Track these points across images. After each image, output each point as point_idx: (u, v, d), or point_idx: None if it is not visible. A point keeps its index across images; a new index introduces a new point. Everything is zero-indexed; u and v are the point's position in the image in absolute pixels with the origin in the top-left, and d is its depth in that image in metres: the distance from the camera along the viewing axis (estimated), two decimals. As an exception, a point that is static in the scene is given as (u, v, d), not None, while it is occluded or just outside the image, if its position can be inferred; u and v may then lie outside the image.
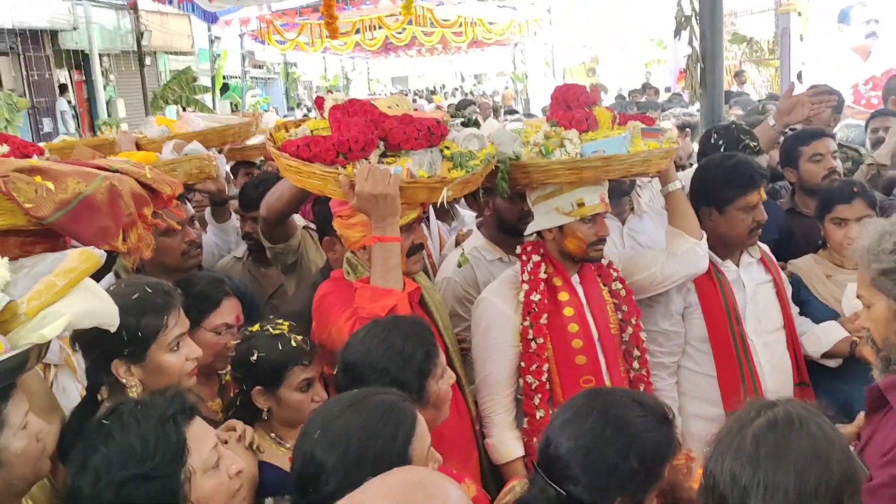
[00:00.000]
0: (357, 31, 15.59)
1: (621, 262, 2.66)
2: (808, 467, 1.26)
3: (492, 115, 9.78)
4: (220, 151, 3.37)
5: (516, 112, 9.97)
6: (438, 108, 11.40)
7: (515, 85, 20.24)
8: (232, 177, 4.21)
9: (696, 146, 5.12)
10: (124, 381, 1.82)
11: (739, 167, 2.68)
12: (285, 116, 10.81)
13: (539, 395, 2.40)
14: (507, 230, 2.77)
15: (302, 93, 24.44)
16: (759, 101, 6.84)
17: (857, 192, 2.90)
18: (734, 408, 1.43)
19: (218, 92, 16.19)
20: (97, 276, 1.78)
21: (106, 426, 1.47)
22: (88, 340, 1.82)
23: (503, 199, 2.67)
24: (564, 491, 1.52)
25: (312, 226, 3.06)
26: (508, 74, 21.85)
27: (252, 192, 3.21)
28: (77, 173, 1.81)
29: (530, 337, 2.40)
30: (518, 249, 2.54)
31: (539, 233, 2.50)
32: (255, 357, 1.99)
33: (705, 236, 2.61)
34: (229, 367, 2.10)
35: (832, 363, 2.80)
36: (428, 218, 3.35)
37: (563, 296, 2.46)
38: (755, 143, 3.28)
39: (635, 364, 2.54)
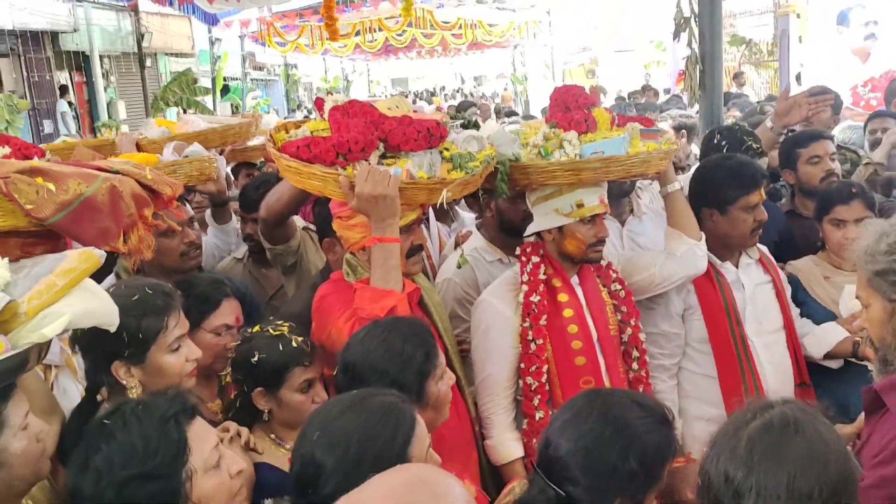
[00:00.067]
0: (357, 33, 15.62)
1: (620, 263, 2.67)
2: (802, 471, 1.26)
3: (493, 116, 9.79)
4: (220, 153, 3.38)
5: (516, 114, 9.96)
6: (438, 109, 11.42)
7: (515, 87, 20.26)
8: (233, 178, 4.21)
9: (693, 147, 5.13)
10: (124, 382, 1.82)
11: (740, 167, 2.69)
12: (286, 118, 10.81)
13: (538, 397, 2.40)
14: (509, 231, 2.77)
15: (302, 94, 24.44)
16: (757, 102, 6.86)
17: (855, 193, 2.91)
18: (736, 408, 1.43)
19: (218, 93, 16.19)
20: (98, 277, 1.79)
21: (107, 426, 1.48)
22: (88, 341, 1.82)
23: (505, 200, 2.67)
24: (564, 492, 1.52)
25: (312, 227, 3.06)
26: (508, 76, 21.86)
27: (253, 193, 3.21)
28: (78, 174, 1.81)
29: (530, 338, 2.40)
30: (518, 250, 2.55)
31: (538, 234, 2.50)
32: (255, 358, 1.99)
33: (704, 237, 2.62)
34: (229, 369, 2.10)
35: (834, 364, 2.80)
36: (427, 219, 3.36)
37: (563, 297, 2.46)
38: (758, 145, 3.29)
39: (634, 365, 2.54)
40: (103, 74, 16.91)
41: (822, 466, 1.27)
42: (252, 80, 21.11)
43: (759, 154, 3.22)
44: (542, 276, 2.45)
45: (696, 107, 4.18)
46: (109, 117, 15.46)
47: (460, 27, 16.25)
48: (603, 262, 2.57)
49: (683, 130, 5.26)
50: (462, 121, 2.59)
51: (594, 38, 20.23)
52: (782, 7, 10.63)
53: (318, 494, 1.41)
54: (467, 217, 3.81)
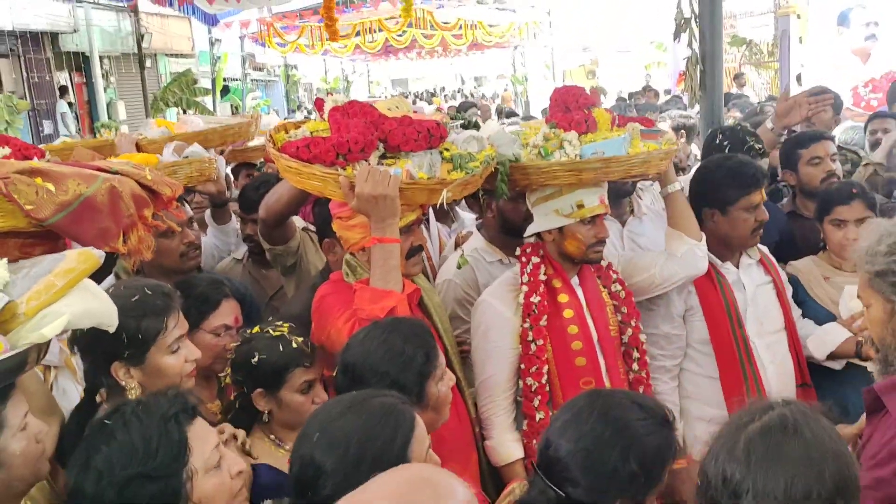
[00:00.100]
0: (357, 34, 15.63)
1: (621, 263, 2.66)
2: (799, 473, 1.25)
3: (495, 117, 9.79)
4: (221, 153, 3.37)
5: (515, 115, 9.96)
6: (438, 109, 11.42)
7: (515, 87, 20.26)
8: (233, 178, 4.21)
9: (693, 148, 5.13)
10: (123, 383, 1.81)
11: (741, 167, 2.69)
12: (286, 119, 10.81)
13: (539, 397, 2.40)
14: (510, 231, 2.76)
15: (302, 95, 24.44)
16: (757, 103, 6.85)
17: (856, 194, 2.90)
18: (737, 409, 1.43)
19: (218, 94, 16.20)
20: (98, 277, 1.78)
21: (108, 426, 1.47)
22: (88, 342, 1.82)
23: (506, 201, 2.67)
24: (564, 493, 1.52)
25: (312, 227, 3.06)
26: (508, 77, 21.87)
27: (252, 193, 3.20)
28: (78, 175, 1.81)
29: (530, 339, 2.40)
30: (518, 251, 2.54)
31: (539, 234, 2.50)
32: (255, 359, 1.99)
33: (705, 238, 2.62)
34: (229, 370, 2.09)
35: (837, 365, 2.79)
36: (428, 220, 3.35)
37: (563, 297, 2.46)
38: (760, 145, 3.29)
39: (635, 366, 2.54)
40: (103, 75, 16.93)
41: (819, 469, 1.26)
42: (252, 80, 21.12)
43: (761, 154, 3.22)
44: (542, 277, 2.44)
45: (697, 107, 4.17)
46: (109, 118, 15.46)
47: (460, 28, 16.26)
48: (603, 263, 2.57)
49: (682, 131, 5.26)
50: (462, 121, 2.59)
51: (594, 38, 20.24)
52: (783, 8, 10.63)
53: (317, 495, 1.40)
54: (467, 218, 3.80)
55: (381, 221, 2.13)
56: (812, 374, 2.79)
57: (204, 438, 1.53)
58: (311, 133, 2.38)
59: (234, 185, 4.02)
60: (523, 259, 2.49)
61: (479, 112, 8.18)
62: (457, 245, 3.18)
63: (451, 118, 2.64)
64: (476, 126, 2.58)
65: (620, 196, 2.97)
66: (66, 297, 1.49)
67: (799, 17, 10.58)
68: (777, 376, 2.68)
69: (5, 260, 1.49)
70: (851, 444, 1.84)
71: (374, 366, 1.81)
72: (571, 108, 2.60)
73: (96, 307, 1.54)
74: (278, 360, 2.00)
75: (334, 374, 1.89)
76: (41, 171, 1.76)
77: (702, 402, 2.72)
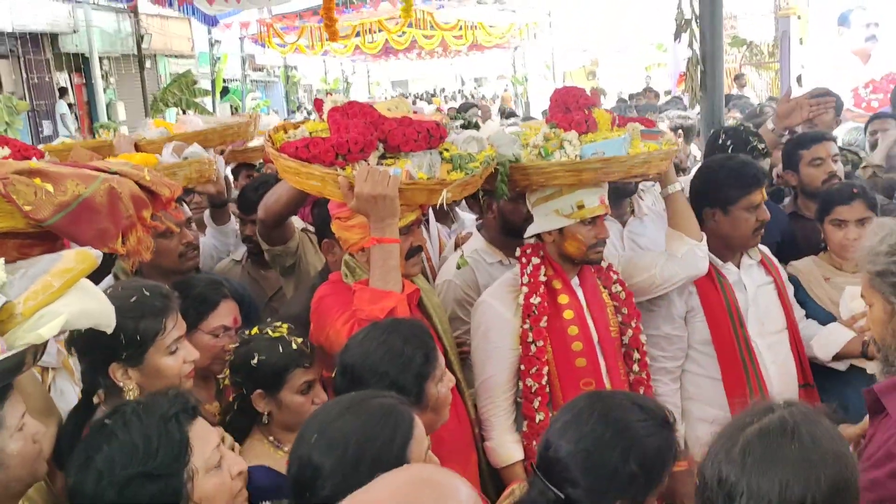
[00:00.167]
0: (357, 35, 15.65)
1: (621, 264, 2.66)
2: (794, 477, 1.25)
3: (496, 117, 9.77)
4: (221, 153, 3.37)
5: (515, 115, 9.96)
6: (438, 110, 11.41)
7: (515, 88, 20.28)
8: (233, 179, 4.20)
9: (692, 148, 5.12)
10: (121, 384, 1.81)
11: (743, 167, 2.69)
12: (286, 119, 10.81)
13: (539, 398, 2.39)
14: (511, 232, 2.75)
15: (302, 96, 24.45)
16: (757, 104, 6.85)
17: (856, 194, 2.90)
18: (740, 410, 1.42)
19: (218, 95, 16.22)
20: (97, 278, 1.78)
21: (109, 425, 1.47)
22: (85, 343, 1.81)
23: (507, 201, 2.66)
24: (564, 494, 1.51)
25: (311, 228, 3.05)
26: (508, 78, 21.89)
27: (252, 194, 3.20)
28: (76, 175, 1.80)
29: (530, 340, 2.39)
30: (518, 252, 2.54)
31: (539, 235, 2.50)
32: (255, 360, 1.98)
33: (705, 238, 2.61)
34: (227, 371, 2.08)
35: (841, 366, 2.78)
36: (427, 221, 3.35)
37: (563, 298, 2.45)
38: (763, 146, 3.29)
39: (635, 367, 2.53)
40: (103, 76, 16.92)
41: (816, 473, 1.26)
42: (252, 81, 21.13)
43: (764, 155, 3.22)
44: (542, 278, 2.44)
45: (697, 108, 4.17)
46: (109, 119, 15.45)
47: (460, 28, 16.28)
48: (604, 264, 2.56)
49: (680, 131, 5.25)
50: (462, 121, 2.58)
51: (594, 39, 20.25)
52: (783, 8, 10.63)
53: (315, 497, 1.40)
54: (467, 218, 3.79)
55: (381, 222, 2.12)
56: (814, 374, 2.78)
57: (205, 438, 1.52)
58: (310, 133, 2.37)
59: (234, 186, 4.02)
60: (523, 260, 2.48)
61: (479, 112, 8.18)
62: (456, 246, 3.18)
63: (451, 118, 2.63)
64: (476, 126, 2.57)
65: (623, 196, 2.97)
66: (64, 298, 1.48)
67: (799, 17, 10.59)
68: (779, 377, 2.68)
69: (2, 260, 1.49)
70: (854, 444, 1.84)
71: (374, 366, 1.80)
72: (571, 108, 2.60)
73: (94, 307, 1.54)
74: (278, 361, 1.99)
75: (333, 375, 1.88)
76: (40, 172, 1.75)
77: (704, 403, 2.71)
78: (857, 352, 2.70)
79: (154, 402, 1.51)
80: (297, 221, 3.11)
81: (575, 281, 2.51)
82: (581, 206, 2.38)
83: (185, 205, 2.94)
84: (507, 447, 2.42)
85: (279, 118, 8.28)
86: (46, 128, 15.07)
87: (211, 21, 10.24)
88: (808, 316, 2.89)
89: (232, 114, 15.70)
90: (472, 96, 27.22)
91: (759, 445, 1.29)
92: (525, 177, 2.41)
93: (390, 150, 2.25)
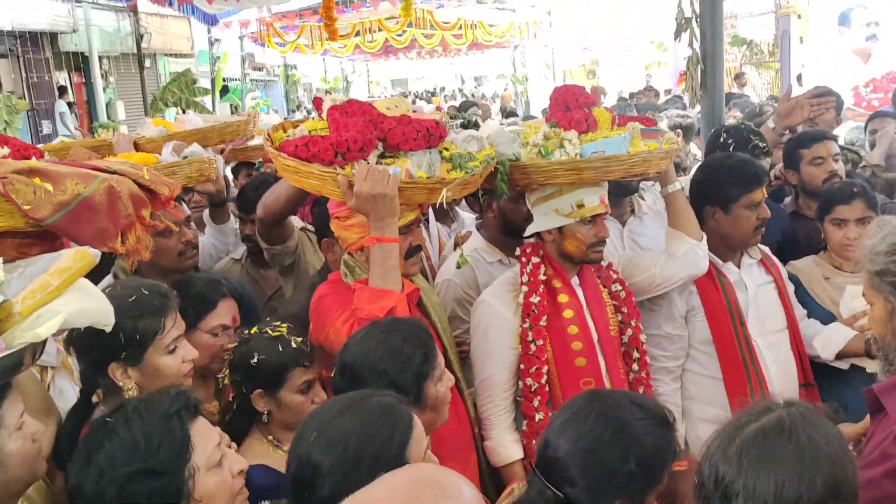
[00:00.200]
0: (357, 34, 15.63)
1: (621, 263, 2.66)
2: (790, 478, 1.25)
3: (497, 116, 9.77)
4: (220, 152, 3.37)
5: (515, 115, 9.96)
6: (438, 109, 11.41)
7: (515, 87, 20.26)
8: (232, 178, 4.20)
9: (692, 147, 5.12)
10: (121, 383, 1.81)
11: (743, 165, 2.69)
12: (285, 119, 10.81)
13: (538, 398, 2.39)
14: (511, 231, 2.75)
15: (302, 95, 24.44)
16: (758, 103, 6.85)
17: (857, 193, 2.90)
18: (741, 409, 1.42)
19: (218, 94, 16.19)
20: (96, 277, 1.78)
21: (110, 423, 1.47)
22: (84, 343, 1.81)
23: (507, 201, 2.66)
24: (562, 493, 1.51)
25: (310, 227, 3.05)
26: (508, 77, 21.87)
27: (251, 193, 3.19)
28: (76, 175, 1.80)
29: (530, 339, 2.39)
30: (517, 251, 2.53)
31: (538, 234, 2.49)
32: (255, 359, 1.98)
33: (705, 237, 2.61)
34: (227, 370, 2.08)
35: (843, 365, 2.78)
36: (427, 220, 3.35)
37: (563, 297, 2.45)
38: (764, 144, 3.29)
39: (635, 366, 2.53)
40: (102, 75, 16.92)
41: (812, 473, 1.26)
42: (251, 80, 21.11)
43: (765, 153, 3.21)
44: (542, 277, 2.44)
45: (697, 107, 4.17)
46: (108, 118, 15.46)
47: (460, 27, 16.26)
48: (603, 263, 2.56)
49: (679, 130, 5.25)
50: (461, 120, 2.58)
51: (594, 38, 20.24)
52: (783, 8, 10.62)
53: (315, 495, 1.39)
54: (467, 217, 3.79)
55: (380, 221, 2.12)
56: (815, 373, 2.78)
57: (206, 436, 1.52)
58: (310, 132, 2.37)
59: (233, 185, 4.02)
60: (523, 259, 2.48)
61: (479, 111, 8.18)
62: (456, 245, 3.18)
63: (451, 117, 2.63)
64: (476, 125, 2.57)
65: (623, 195, 2.97)
66: (62, 297, 1.48)
67: (800, 17, 10.58)
68: (780, 376, 2.67)
69: (0, 259, 1.49)
70: (854, 443, 1.84)
71: (373, 366, 1.80)
72: (571, 107, 2.59)
73: (92, 306, 1.54)
74: (278, 360, 1.99)
75: (332, 374, 1.88)
76: (39, 171, 1.75)
77: (704, 403, 2.71)
78: (861, 350, 2.69)
79: (155, 400, 1.51)
80: (296, 220, 3.10)
81: (575, 280, 2.51)
82: (581, 206, 2.38)
83: (184, 204, 2.93)
84: (507, 446, 2.42)
85: (279, 117, 8.28)
86: (46, 127, 15.07)
87: (210, 20, 10.23)
88: (808, 316, 2.89)
89: (232, 113, 15.71)
90: (472, 95, 27.20)
91: (757, 445, 1.30)
92: (525, 176, 2.41)
93: (390, 148, 2.25)
